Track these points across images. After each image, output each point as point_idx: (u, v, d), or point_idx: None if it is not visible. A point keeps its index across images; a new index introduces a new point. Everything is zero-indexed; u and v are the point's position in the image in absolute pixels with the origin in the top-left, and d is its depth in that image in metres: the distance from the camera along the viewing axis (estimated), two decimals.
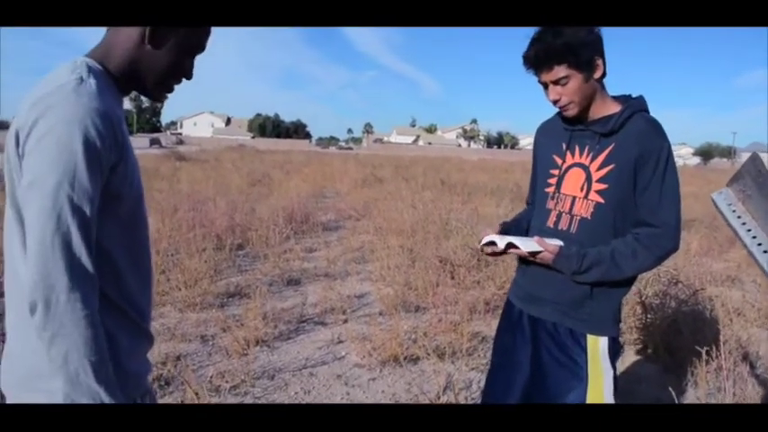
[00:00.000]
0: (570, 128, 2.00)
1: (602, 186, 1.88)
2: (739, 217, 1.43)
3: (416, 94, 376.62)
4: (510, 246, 1.91)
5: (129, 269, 1.28)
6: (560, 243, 1.91)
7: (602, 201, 1.89)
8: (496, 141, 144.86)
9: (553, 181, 2.03)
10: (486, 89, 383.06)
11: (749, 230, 1.40)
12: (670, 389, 2.93)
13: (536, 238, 1.92)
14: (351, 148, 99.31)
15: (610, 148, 1.88)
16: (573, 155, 1.98)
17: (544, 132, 2.17)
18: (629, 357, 4.46)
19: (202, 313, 4.94)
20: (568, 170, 1.98)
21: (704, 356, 3.54)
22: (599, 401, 1.93)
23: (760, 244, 1.37)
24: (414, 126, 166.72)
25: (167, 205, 8.81)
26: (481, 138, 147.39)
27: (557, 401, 1.98)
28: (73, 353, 1.06)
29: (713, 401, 3.60)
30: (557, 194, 2.00)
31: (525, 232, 2.17)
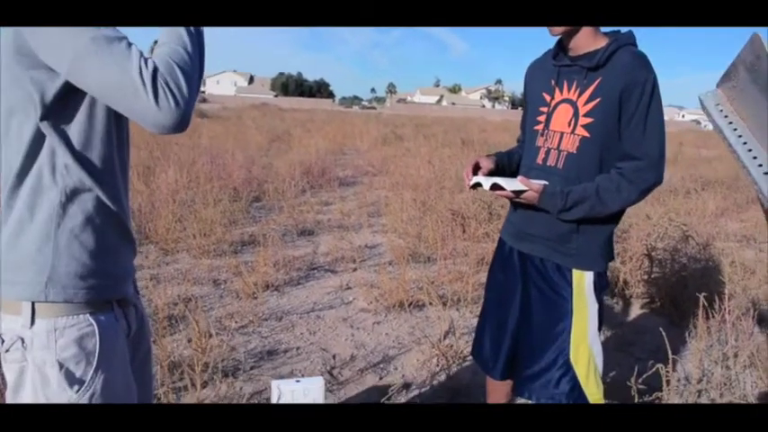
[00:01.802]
0: (558, 64, 2.00)
1: (589, 120, 1.89)
2: (726, 116, 1.36)
3: (442, 54, 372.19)
4: (495, 186, 1.92)
5: (120, 165, 1.32)
6: (545, 182, 1.93)
7: (587, 135, 1.90)
8: (521, 103, 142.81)
9: (542, 118, 2.04)
10: (513, 49, 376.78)
11: (735, 129, 1.33)
12: (664, 338, 2.94)
13: (520, 177, 1.94)
14: (374, 108, 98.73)
15: (596, 82, 1.88)
16: (561, 91, 1.99)
17: (534, 70, 2.18)
18: (635, 310, 4.50)
19: (216, 260, 5.06)
20: (557, 106, 1.99)
21: (705, 310, 3.56)
22: (583, 333, 1.98)
23: (750, 149, 1.30)
24: (438, 86, 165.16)
25: (186, 158, 8.91)
26: (506, 99, 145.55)
27: (544, 334, 2.04)
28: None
29: (714, 353, 3.64)
30: (546, 131, 2.02)
31: (517, 166, 2.20)
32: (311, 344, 3.61)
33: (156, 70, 1.11)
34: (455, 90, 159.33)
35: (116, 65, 1.09)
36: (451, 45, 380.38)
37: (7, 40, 1.13)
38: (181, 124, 1.14)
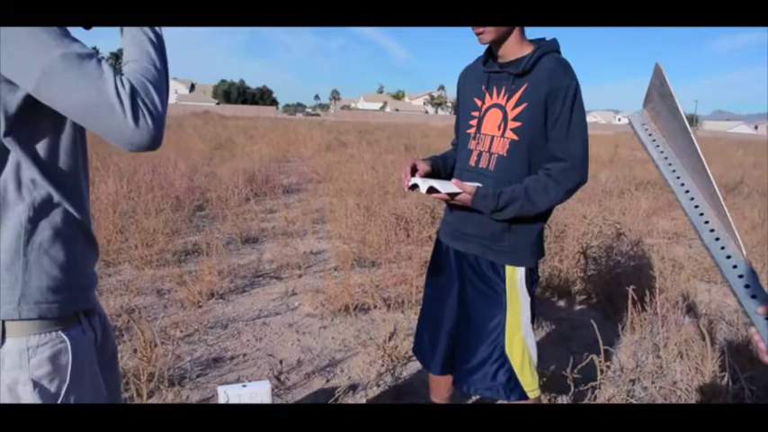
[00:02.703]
0: (488, 70, 2.11)
1: (517, 124, 2.00)
2: (650, 134, 1.45)
3: (385, 60, 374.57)
4: (431, 189, 2.00)
5: (84, 175, 1.29)
6: (478, 184, 2.03)
7: (516, 138, 2.01)
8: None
9: (474, 122, 2.14)
10: (454, 55, 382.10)
11: (658, 146, 1.44)
12: (597, 331, 3.09)
13: (454, 180, 2.03)
14: (318, 115, 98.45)
15: (523, 87, 1.99)
16: (491, 96, 2.09)
17: (466, 76, 2.28)
18: (572, 306, 4.67)
19: (159, 270, 5.01)
20: (488, 111, 2.10)
21: (635, 304, 3.74)
22: (517, 326, 2.08)
23: (670, 164, 1.40)
24: (381, 93, 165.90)
25: (126, 167, 8.76)
26: (449, 104, 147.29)
27: (480, 328, 2.13)
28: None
29: (646, 344, 3.82)
30: (477, 135, 2.12)
31: (451, 168, 2.30)
32: (258, 350, 3.63)
33: (133, 89, 1.10)
34: (399, 96, 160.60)
35: (91, 84, 1.07)
36: (392, 51, 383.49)
37: None
38: (156, 141, 1.14)
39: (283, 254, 5.47)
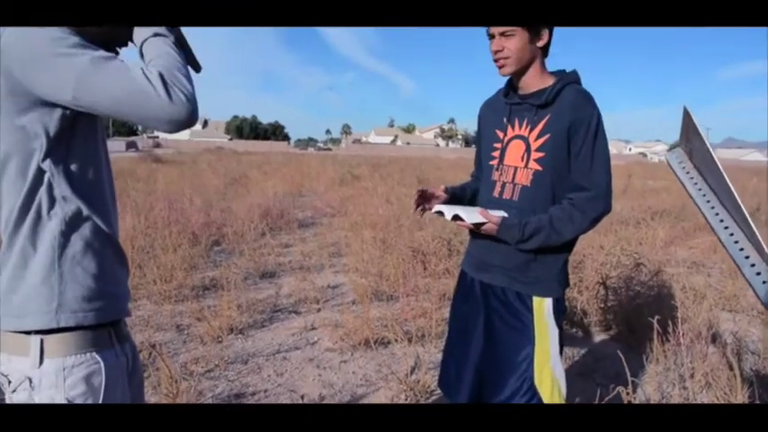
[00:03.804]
0: (510, 102, 2.14)
1: (540, 155, 2.02)
2: (688, 172, 1.48)
3: (395, 94, 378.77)
4: (456, 217, 2.02)
5: (110, 191, 1.38)
6: (504, 214, 2.04)
7: (540, 168, 2.02)
8: (475, 140, 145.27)
9: (496, 154, 2.16)
10: (463, 88, 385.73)
11: (695, 183, 1.46)
12: (624, 363, 3.04)
13: (479, 209, 2.05)
14: (329, 149, 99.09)
15: (546, 118, 2.01)
16: (513, 128, 2.12)
17: (487, 109, 2.31)
18: (594, 337, 4.62)
19: (177, 305, 5.02)
20: (510, 142, 2.12)
21: (660, 334, 3.69)
22: (546, 358, 2.07)
23: (708, 200, 1.43)
24: (392, 126, 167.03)
25: (143, 203, 8.84)
26: (459, 137, 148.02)
27: (509, 362, 2.11)
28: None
29: (671, 375, 3.76)
30: (500, 166, 2.14)
31: (470, 199, 2.31)
32: (279, 386, 3.61)
33: (161, 74, 1.20)
34: (409, 130, 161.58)
35: (122, 76, 1.16)
36: (401, 85, 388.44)
37: None
38: (192, 116, 1.22)
39: (301, 288, 5.48)
